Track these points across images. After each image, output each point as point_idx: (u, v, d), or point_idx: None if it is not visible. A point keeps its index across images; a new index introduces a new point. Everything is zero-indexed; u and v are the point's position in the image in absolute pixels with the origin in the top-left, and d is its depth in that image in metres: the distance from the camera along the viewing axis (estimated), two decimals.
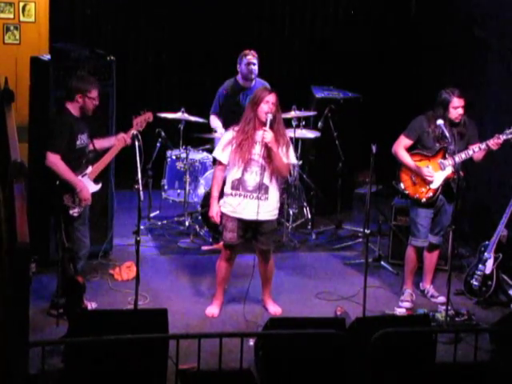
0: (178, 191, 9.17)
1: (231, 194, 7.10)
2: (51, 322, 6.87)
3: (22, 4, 10.60)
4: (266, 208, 7.07)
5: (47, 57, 8.08)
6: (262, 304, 7.44)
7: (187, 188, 8.96)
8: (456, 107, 7.32)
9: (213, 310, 7.32)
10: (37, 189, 7.19)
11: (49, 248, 7.79)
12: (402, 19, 10.78)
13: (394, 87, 10.66)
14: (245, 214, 7.07)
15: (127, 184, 7.89)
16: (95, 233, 7.80)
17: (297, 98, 9.28)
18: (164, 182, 9.26)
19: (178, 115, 9.00)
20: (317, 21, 10.95)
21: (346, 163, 9.37)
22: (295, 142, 8.88)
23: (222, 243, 7.42)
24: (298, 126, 8.94)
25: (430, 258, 7.77)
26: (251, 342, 6.36)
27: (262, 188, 7.02)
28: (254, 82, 8.80)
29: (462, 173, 7.27)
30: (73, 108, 6.98)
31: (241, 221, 7.11)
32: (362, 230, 8.65)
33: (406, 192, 7.53)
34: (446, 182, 7.43)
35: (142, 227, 7.47)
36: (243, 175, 7.04)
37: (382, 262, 8.49)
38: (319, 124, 9.35)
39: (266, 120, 6.95)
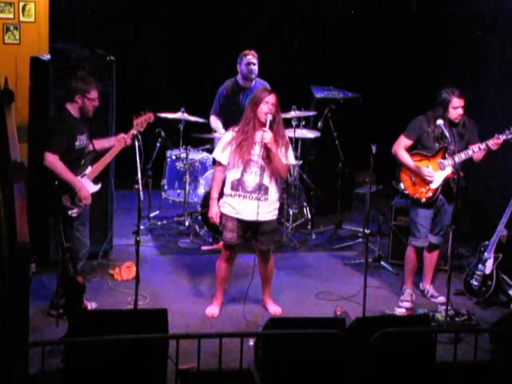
0: (178, 191, 9.16)
1: (231, 195, 7.09)
2: (51, 322, 6.86)
3: (21, 4, 10.59)
4: (266, 208, 7.07)
5: (47, 57, 8.08)
6: (262, 304, 7.44)
7: (187, 188, 8.96)
8: (456, 107, 7.32)
9: (213, 310, 7.32)
10: (36, 189, 7.19)
11: (49, 248, 7.79)
12: (402, 19, 10.77)
13: (394, 87, 10.66)
14: (245, 214, 7.06)
15: (127, 184, 7.90)
16: (95, 233, 7.82)
17: (297, 97, 9.26)
18: (164, 182, 9.26)
19: (178, 115, 8.99)
20: (317, 21, 10.95)
21: (345, 163, 9.36)
22: (295, 142, 8.88)
23: (221, 243, 7.42)
24: (297, 126, 8.93)
25: (430, 258, 7.77)
26: (251, 342, 6.36)
27: (261, 188, 7.02)
28: (254, 82, 8.79)
29: (461, 173, 7.27)
30: (72, 109, 6.98)
31: (240, 221, 7.10)
32: (361, 230, 8.65)
33: (406, 192, 7.53)
34: (446, 182, 7.43)
35: (141, 227, 7.47)
36: (243, 176, 7.04)
37: (382, 262, 8.49)
38: (319, 124, 9.34)
39: (266, 121, 6.94)
